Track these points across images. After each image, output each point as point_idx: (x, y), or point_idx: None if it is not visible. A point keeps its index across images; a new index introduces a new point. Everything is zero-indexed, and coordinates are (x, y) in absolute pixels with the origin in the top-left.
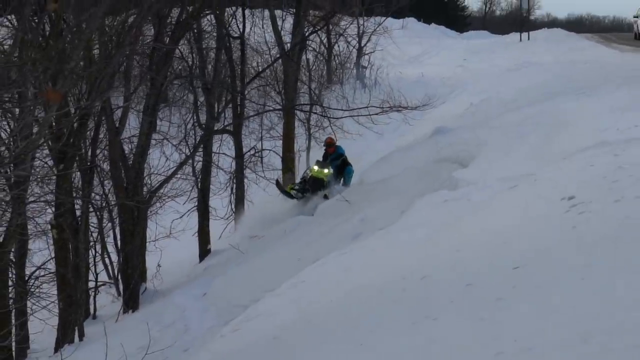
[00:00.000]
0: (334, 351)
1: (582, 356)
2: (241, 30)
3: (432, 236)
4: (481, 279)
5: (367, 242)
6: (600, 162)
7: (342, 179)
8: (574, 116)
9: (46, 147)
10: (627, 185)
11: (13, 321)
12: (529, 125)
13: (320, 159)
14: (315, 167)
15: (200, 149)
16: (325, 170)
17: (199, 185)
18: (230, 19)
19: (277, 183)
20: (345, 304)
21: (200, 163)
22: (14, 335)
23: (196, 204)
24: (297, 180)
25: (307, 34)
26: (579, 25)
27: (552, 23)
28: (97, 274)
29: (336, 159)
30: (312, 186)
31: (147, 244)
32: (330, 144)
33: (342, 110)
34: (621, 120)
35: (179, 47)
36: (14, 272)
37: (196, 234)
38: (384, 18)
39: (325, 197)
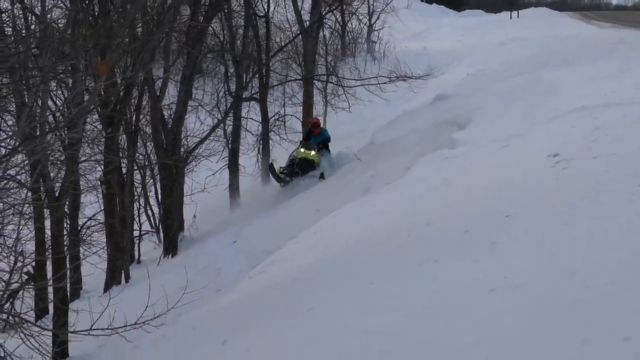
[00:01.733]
0: (347, 290)
1: (564, 290)
2: (266, 9)
3: (434, 189)
4: (477, 225)
5: (377, 195)
6: (581, 124)
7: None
8: (558, 84)
9: (96, 113)
10: (604, 144)
11: (68, 265)
12: (518, 92)
13: (305, 137)
14: (302, 150)
15: (231, 114)
16: (313, 152)
17: (230, 146)
18: (256, 0)
19: (271, 166)
20: (357, 249)
21: (231, 127)
22: (69, 277)
23: (227, 162)
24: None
25: (324, 13)
26: (562, 4)
27: (538, 2)
28: (140, 224)
29: (320, 142)
30: (302, 168)
31: (185, 197)
32: (316, 125)
33: (354, 80)
34: (599, 88)
35: (212, 25)
36: (69, 222)
37: (227, 189)
38: None
39: (322, 176)
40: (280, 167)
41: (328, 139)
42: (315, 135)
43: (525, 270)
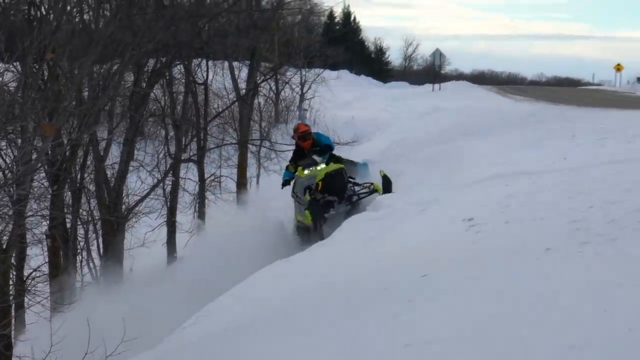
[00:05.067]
0: (274, 343)
1: (475, 347)
2: (205, 77)
3: (357, 249)
4: (396, 284)
5: (304, 253)
6: (495, 191)
7: None
8: (475, 153)
9: (43, 171)
10: (515, 210)
11: (13, 313)
12: (438, 159)
13: (296, 157)
14: (307, 171)
15: (170, 175)
16: (323, 165)
17: (168, 204)
18: (196, 69)
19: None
20: (283, 305)
21: (170, 186)
22: (13, 325)
23: (165, 219)
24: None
25: (259, 82)
26: (481, 78)
27: (459, 76)
28: (82, 276)
29: (321, 154)
30: (336, 189)
31: (125, 251)
32: (305, 135)
33: (287, 144)
34: (512, 157)
35: (154, 91)
36: (14, 273)
37: (165, 244)
38: (322, 70)
39: (387, 183)
40: (300, 218)
41: (331, 147)
42: (309, 150)
43: (437, 328)
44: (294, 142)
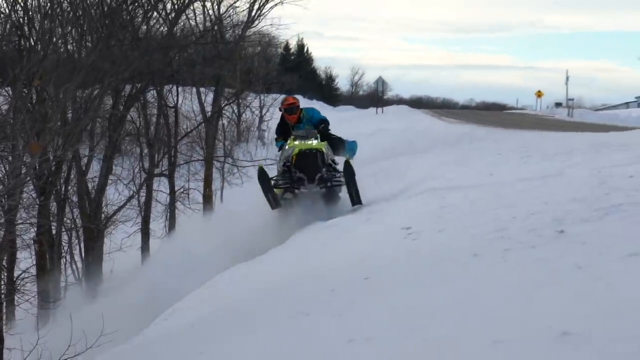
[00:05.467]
0: (234, 337)
1: (410, 341)
2: (175, 101)
3: (310, 254)
4: (341, 286)
5: (264, 256)
6: (430, 202)
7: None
8: (414, 168)
9: (31, 183)
10: (448, 220)
11: (4, 310)
12: (381, 175)
13: (281, 130)
14: (295, 142)
15: (144, 187)
16: (314, 141)
17: (142, 213)
18: (167, 94)
19: (263, 176)
20: (241, 303)
21: (144, 198)
22: (4, 320)
23: (140, 227)
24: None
25: (222, 105)
26: (419, 103)
27: (399, 101)
28: (67, 277)
29: (316, 126)
30: (306, 168)
31: (104, 255)
32: (292, 107)
33: (247, 161)
34: (446, 172)
35: (130, 113)
36: (5, 274)
37: (139, 249)
38: (279, 95)
39: (349, 168)
40: (274, 178)
41: (327, 121)
42: (295, 125)
43: (379, 324)
44: (280, 114)
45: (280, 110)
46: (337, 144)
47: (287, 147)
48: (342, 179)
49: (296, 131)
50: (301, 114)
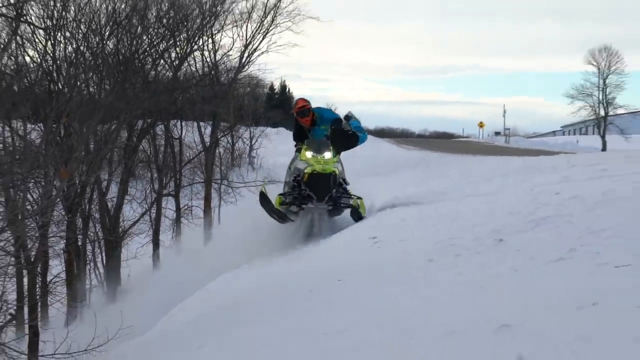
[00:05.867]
0: (229, 332)
1: (375, 335)
2: (179, 134)
3: (292, 260)
4: (318, 287)
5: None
6: (393, 216)
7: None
8: (380, 187)
9: (60, 203)
10: (407, 231)
11: (39, 309)
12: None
13: (299, 135)
14: (308, 154)
15: (154, 206)
16: (329, 156)
17: (153, 227)
18: (172, 127)
19: (263, 197)
20: (234, 303)
21: (154, 214)
22: (39, 318)
23: (152, 238)
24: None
25: (219, 137)
26: (382, 133)
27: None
28: (91, 280)
29: (329, 129)
30: (316, 187)
31: (121, 262)
32: (303, 110)
33: (239, 182)
34: (406, 191)
35: (142, 144)
36: (40, 279)
37: (151, 257)
38: (266, 127)
39: (357, 214)
40: (281, 196)
41: (338, 120)
42: (310, 129)
43: (349, 320)
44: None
45: (293, 115)
46: (352, 139)
47: (298, 159)
48: (351, 200)
49: (310, 141)
50: (314, 117)
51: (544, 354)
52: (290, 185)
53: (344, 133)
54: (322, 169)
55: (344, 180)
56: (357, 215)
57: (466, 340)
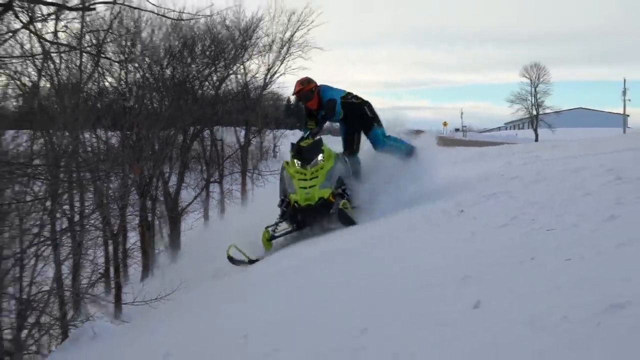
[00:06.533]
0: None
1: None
2: (221, 136)
3: (283, 256)
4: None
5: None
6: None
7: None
8: None
9: (135, 191)
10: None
11: (120, 270)
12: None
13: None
14: (294, 167)
15: (204, 191)
16: (317, 162)
17: (204, 206)
18: (216, 132)
19: (230, 260)
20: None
21: (204, 196)
22: (122, 277)
23: (202, 214)
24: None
25: (251, 138)
26: None
27: None
28: (158, 247)
29: (329, 116)
30: (315, 215)
31: (181, 232)
32: (302, 95)
33: (267, 172)
34: None
35: (194, 145)
36: (121, 247)
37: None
38: (285, 130)
39: (345, 217)
40: (269, 231)
41: (330, 103)
42: (316, 111)
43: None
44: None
45: (297, 95)
46: (364, 120)
47: (285, 171)
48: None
49: (294, 145)
50: (320, 96)
51: (496, 299)
52: (280, 207)
53: (332, 106)
54: (306, 200)
55: (344, 190)
56: (346, 218)
57: (437, 289)
